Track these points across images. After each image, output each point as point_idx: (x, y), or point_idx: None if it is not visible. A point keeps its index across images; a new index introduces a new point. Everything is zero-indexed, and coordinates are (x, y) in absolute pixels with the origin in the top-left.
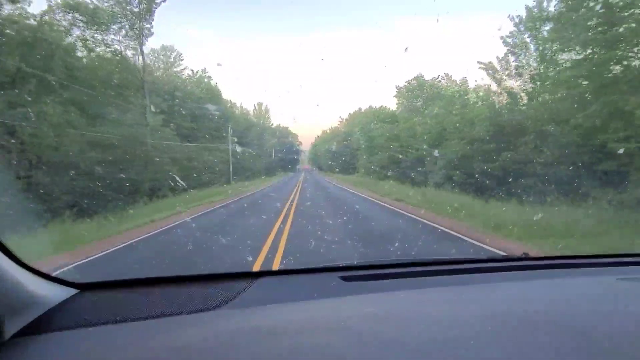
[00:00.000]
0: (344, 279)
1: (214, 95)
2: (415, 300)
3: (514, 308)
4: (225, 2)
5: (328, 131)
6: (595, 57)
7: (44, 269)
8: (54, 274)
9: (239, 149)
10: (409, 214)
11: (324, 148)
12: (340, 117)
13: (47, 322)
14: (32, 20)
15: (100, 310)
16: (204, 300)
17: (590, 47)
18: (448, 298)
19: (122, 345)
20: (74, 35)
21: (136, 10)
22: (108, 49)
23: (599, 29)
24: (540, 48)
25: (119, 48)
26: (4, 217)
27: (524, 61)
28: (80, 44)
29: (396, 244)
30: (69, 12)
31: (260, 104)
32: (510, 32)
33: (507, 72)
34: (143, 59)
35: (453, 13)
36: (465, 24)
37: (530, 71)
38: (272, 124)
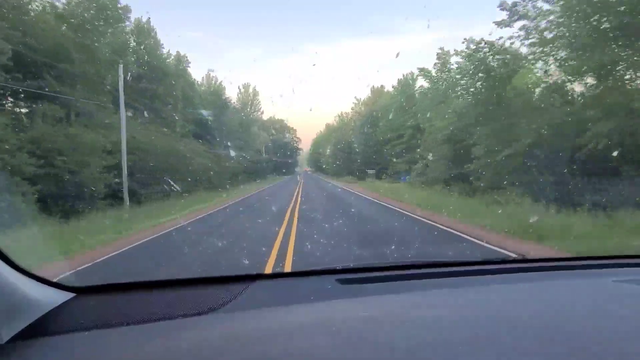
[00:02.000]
0: (341, 281)
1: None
2: (411, 303)
3: (509, 311)
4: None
5: (334, 122)
6: None
7: None
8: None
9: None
10: None
11: (329, 144)
12: (355, 97)
13: (44, 326)
14: None
15: (96, 314)
16: (199, 304)
17: None
18: (444, 300)
19: (117, 349)
20: None
21: None
22: None
23: None
24: None
25: None
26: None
27: None
28: None
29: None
30: None
31: (247, 86)
32: None
33: None
34: None
35: (444, 17)
36: (456, 26)
37: None
38: (262, 111)
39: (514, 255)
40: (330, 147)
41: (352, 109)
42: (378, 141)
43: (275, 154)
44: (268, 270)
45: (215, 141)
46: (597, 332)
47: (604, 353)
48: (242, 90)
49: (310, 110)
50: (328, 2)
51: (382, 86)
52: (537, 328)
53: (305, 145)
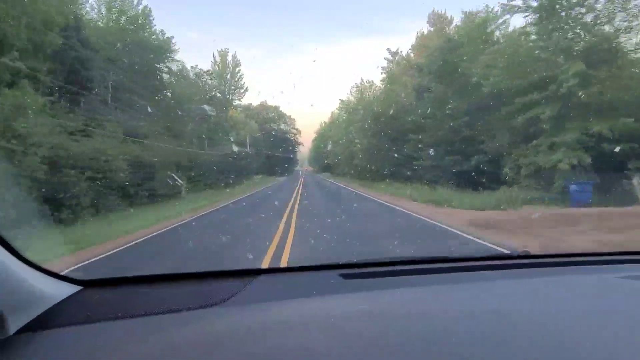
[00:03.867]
0: (344, 276)
1: None
2: (414, 298)
3: (511, 307)
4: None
5: (350, 97)
6: None
7: None
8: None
9: None
10: None
11: (338, 135)
12: (388, 50)
13: (51, 318)
14: None
15: (102, 307)
16: (204, 298)
17: None
18: (446, 296)
19: (123, 342)
20: None
21: None
22: None
23: None
24: None
25: None
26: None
27: None
28: None
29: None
30: None
31: (223, 53)
32: None
33: None
34: None
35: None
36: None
37: None
38: (245, 87)
39: (517, 252)
40: (347, 133)
41: (385, 67)
42: (469, 106)
43: (267, 148)
44: None
45: (131, 113)
46: (601, 329)
47: (608, 349)
48: (218, 58)
49: (312, 105)
50: (327, 2)
51: (452, 16)
52: (540, 324)
53: (304, 145)
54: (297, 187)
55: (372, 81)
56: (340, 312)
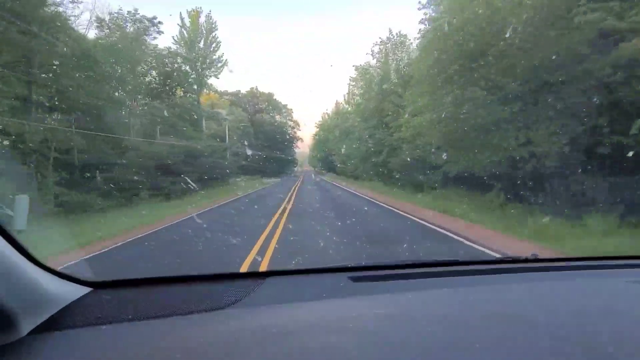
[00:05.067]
0: (353, 279)
1: None
2: (424, 301)
3: (522, 310)
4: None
5: (372, 58)
6: None
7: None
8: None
9: None
10: None
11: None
12: None
13: (63, 320)
14: None
15: (113, 308)
16: (214, 300)
17: None
18: (457, 299)
19: (134, 344)
20: None
21: None
22: None
23: None
24: None
25: None
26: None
27: None
28: None
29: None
30: None
31: (194, 13)
32: None
33: None
34: None
35: None
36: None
37: None
38: (223, 60)
39: (525, 256)
40: (363, 114)
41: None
42: None
43: (258, 142)
44: None
45: None
46: (610, 333)
47: (617, 353)
48: (189, 20)
49: (326, 110)
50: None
51: None
52: (550, 327)
53: (303, 141)
54: (284, 206)
55: (406, 35)
56: (354, 315)
